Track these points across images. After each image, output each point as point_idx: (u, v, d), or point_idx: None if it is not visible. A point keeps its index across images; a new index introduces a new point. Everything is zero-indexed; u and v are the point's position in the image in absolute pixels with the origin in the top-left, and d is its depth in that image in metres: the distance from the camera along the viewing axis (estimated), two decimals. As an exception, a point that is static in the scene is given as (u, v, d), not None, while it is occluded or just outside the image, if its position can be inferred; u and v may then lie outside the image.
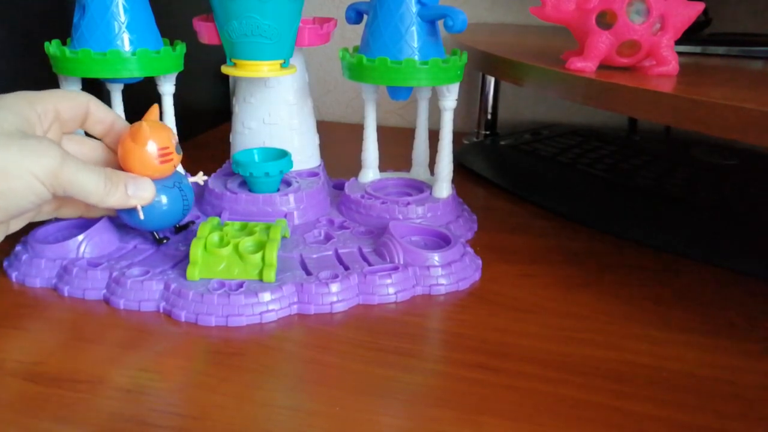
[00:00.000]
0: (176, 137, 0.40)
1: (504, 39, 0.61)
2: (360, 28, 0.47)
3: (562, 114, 0.79)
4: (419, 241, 0.44)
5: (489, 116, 0.75)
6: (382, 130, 0.51)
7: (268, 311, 0.37)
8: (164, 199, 0.40)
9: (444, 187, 0.48)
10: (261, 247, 0.39)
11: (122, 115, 0.49)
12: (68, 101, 0.38)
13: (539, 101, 0.80)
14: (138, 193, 0.38)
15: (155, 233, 0.42)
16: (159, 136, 0.38)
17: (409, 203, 0.46)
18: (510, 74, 0.49)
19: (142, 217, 0.39)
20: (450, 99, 0.46)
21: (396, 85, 0.43)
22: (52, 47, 0.43)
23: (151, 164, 0.38)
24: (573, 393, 0.31)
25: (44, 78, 0.47)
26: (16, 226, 0.39)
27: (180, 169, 0.46)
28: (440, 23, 0.43)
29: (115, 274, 0.39)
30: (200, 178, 0.43)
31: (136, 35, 0.43)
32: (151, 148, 0.38)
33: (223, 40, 0.45)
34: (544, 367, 0.33)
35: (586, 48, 0.43)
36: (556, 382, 0.32)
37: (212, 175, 0.50)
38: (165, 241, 0.43)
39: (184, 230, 0.44)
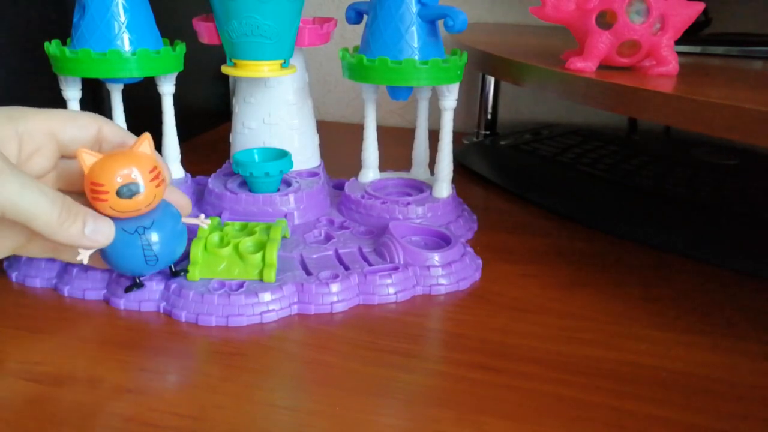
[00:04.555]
0: (142, 177, 0.32)
1: (504, 39, 0.61)
2: (360, 28, 0.47)
3: (562, 114, 0.79)
4: (419, 241, 0.44)
5: (489, 116, 0.75)
6: (382, 130, 0.51)
7: (268, 311, 0.37)
8: (117, 246, 0.34)
9: (444, 187, 0.47)
10: (261, 247, 0.39)
11: (122, 115, 0.49)
12: (69, 123, 0.35)
13: (539, 101, 0.80)
14: (94, 235, 0.33)
15: None
16: (104, 168, 0.32)
17: (409, 203, 0.46)
18: (510, 74, 0.49)
19: (85, 261, 0.33)
20: (450, 99, 0.46)
21: (396, 85, 0.43)
22: (52, 47, 0.43)
23: (90, 200, 0.33)
24: (573, 393, 0.31)
25: (44, 78, 0.47)
26: None
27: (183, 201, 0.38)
28: (440, 23, 0.43)
29: (115, 274, 0.39)
30: (202, 221, 0.37)
31: (136, 35, 0.43)
32: (88, 181, 0.32)
33: (223, 40, 0.45)
34: (544, 367, 0.33)
35: (586, 48, 0.43)
36: (556, 382, 0.32)
37: (212, 175, 0.50)
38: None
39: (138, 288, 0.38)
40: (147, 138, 0.34)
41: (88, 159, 0.32)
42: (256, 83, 0.49)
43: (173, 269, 0.38)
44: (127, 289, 0.37)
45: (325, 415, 0.30)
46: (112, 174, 0.32)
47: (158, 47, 0.45)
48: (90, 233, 0.33)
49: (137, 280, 0.37)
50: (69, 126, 0.35)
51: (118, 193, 0.32)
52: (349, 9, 0.47)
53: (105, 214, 0.33)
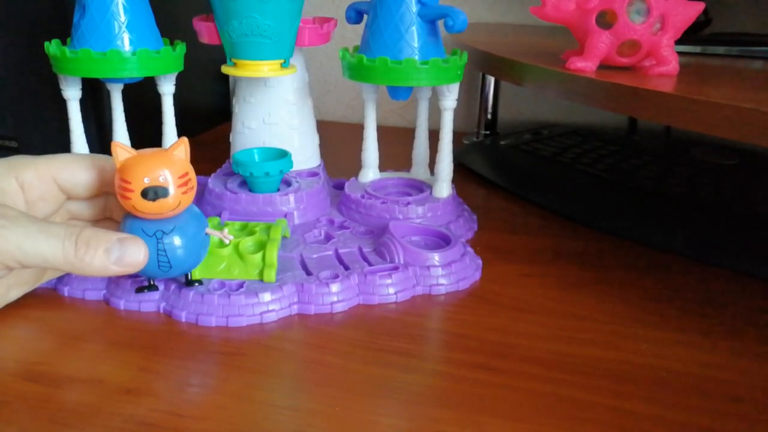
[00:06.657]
0: (172, 182, 0.32)
1: (504, 39, 0.61)
2: (360, 28, 0.47)
3: (562, 114, 0.79)
4: (419, 241, 0.44)
5: (489, 116, 0.75)
6: (382, 130, 0.51)
7: (268, 311, 0.37)
8: None
9: (444, 187, 0.47)
10: (261, 247, 0.39)
11: (122, 115, 0.48)
12: (71, 166, 0.35)
13: (539, 101, 0.80)
14: (122, 261, 0.32)
15: None
16: (134, 166, 0.32)
17: (409, 203, 0.46)
18: (510, 74, 0.49)
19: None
20: (450, 99, 0.46)
21: (396, 84, 0.43)
22: (52, 47, 0.43)
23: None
24: (573, 393, 0.31)
25: (44, 78, 0.47)
26: (15, 294, 0.36)
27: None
28: (440, 23, 0.43)
29: (115, 274, 0.39)
30: (225, 236, 0.36)
31: (136, 35, 0.43)
32: (118, 176, 0.32)
33: (223, 40, 0.45)
34: (544, 367, 0.33)
35: (586, 48, 0.43)
36: (556, 382, 0.32)
37: (212, 174, 0.50)
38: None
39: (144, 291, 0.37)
40: (184, 142, 0.33)
41: (122, 154, 0.32)
42: (256, 83, 0.49)
43: (189, 278, 0.37)
44: (139, 290, 0.37)
45: (325, 415, 0.30)
46: (140, 173, 0.31)
47: (158, 47, 0.45)
48: (116, 261, 0.32)
49: (151, 282, 0.37)
50: (70, 171, 0.35)
51: (143, 194, 0.31)
52: (349, 9, 0.47)
53: (129, 212, 0.33)
